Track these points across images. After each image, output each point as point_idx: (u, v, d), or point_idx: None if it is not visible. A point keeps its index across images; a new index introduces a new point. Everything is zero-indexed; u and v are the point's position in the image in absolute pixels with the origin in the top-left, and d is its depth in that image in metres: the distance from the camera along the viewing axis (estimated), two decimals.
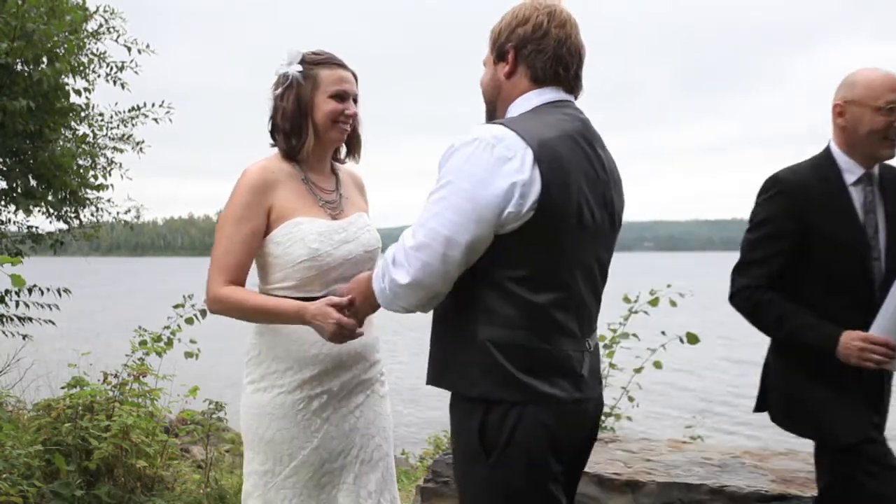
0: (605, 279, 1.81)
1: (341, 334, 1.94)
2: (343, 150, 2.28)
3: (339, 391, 2.14)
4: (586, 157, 1.67)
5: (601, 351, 4.93)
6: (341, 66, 2.17)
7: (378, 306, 1.77)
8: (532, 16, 1.72)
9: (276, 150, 2.20)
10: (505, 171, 1.55)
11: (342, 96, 2.14)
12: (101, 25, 6.03)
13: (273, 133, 2.20)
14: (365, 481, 2.16)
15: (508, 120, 1.68)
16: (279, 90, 2.15)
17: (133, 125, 6.51)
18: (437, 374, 1.73)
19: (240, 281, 2.08)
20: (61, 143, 6.03)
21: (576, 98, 1.78)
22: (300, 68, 2.14)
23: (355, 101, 2.19)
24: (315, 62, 2.15)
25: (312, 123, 2.13)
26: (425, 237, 1.57)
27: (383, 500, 2.19)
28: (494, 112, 1.81)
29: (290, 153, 2.16)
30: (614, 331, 4.99)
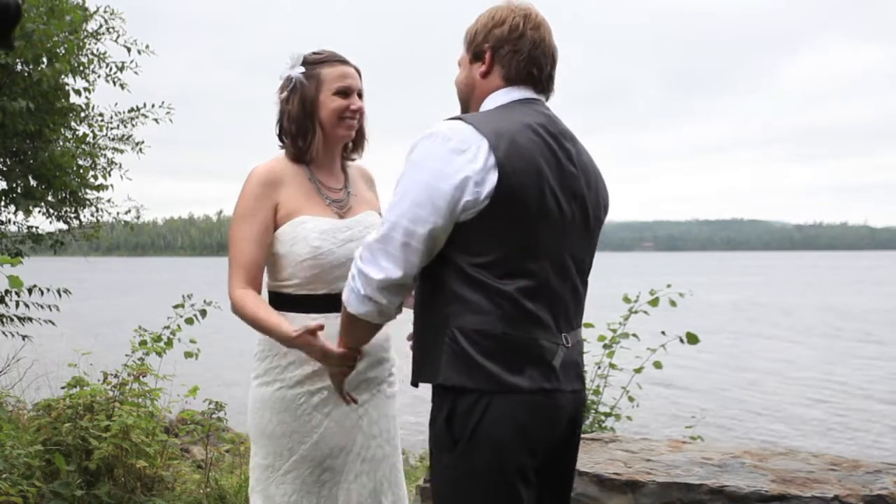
0: (583, 277, 1.80)
1: (331, 361, 1.95)
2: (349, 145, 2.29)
3: None
4: (549, 148, 1.69)
5: (602, 351, 4.96)
6: (343, 62, 2.18)
7: (369, 330, 1.81)
8: (508, 17, 1.77)
9: (283, 151, 2.21)
10: (459, 162, 1.60)
11: (346, 92, 2.15)
12: (100, 26, 6.03)
13: (281, 136, 2.21)
14: (365, 480, 2.16)
15: (467, 115, 1.73)
16: (284, 93, 2.17)
17: (133, 126, 6.51)
18: (417, 371, 1.76)
19: (257, 277, 2.10)
20: (61, 143, 6.03)
21: (547, 99, 1.82)
22: (303, 69, 2.15)
23: (360, 95, 2.20)
24: (316, 61, 2.16)
25: (319, 123, 2.14)
26: (388, 230, 1.63)
27: (385, 500, 2.19)
28: (467, 110, 1.85)
29: (299, 155, 2.17)
30: (614, 331, 4.99)
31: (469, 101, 1.85)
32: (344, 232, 2.15)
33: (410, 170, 1.65)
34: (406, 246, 1.62)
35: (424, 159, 1.64)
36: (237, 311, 2.07)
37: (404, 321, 2.35)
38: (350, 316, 1.73)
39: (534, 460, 1.66)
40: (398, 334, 2.32)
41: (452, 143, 1.62)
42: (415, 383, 1.80)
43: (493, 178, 1.60)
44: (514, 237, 1.63)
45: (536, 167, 1.65)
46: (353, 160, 2.32)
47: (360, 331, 1.82)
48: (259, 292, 2.10)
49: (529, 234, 1.64)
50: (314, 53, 2.18)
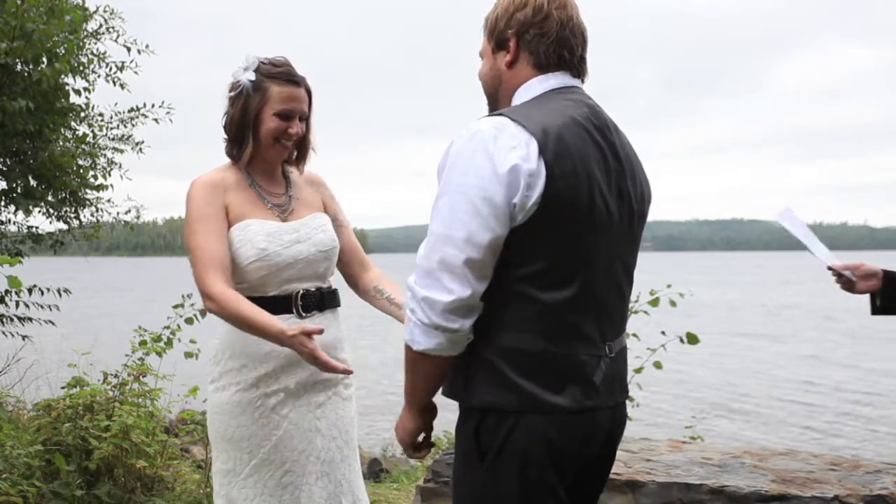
0: (630, 281, 1.69)
1: (316, 363, 1.97)
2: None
3: (296, 389, 2.15)
4: (595, 145, 1.56)
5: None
6: (294, 82, 2.14)
7: (439, 369, 1.56)
8: None
9: (223, 161, 2.22)
10: (509, 161, 1.45)
11: (288, 115, 2.12)
12: (100, 25, 6.04)
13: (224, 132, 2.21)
14: (326, 482, 2.18)
15: (509, 110, 1.58)
16: (232, 94, 2.15)
17: (133, 126, 6.51)
18: (446, 384, 1.62)
19: (228, 271, 2.08)
20: (61, 143, 6.03)
21: (582, 82, 1.69)
22: (253, 77, 2.12)
23: (304, 118, 2.18)
24: (268, 74, 2.12)
25: (254, 136, 2.13)
26: (445, 247, 1.46)
27: (345, 500, 2.21)
28: (496, 104, 1.71)
29: (232, 158, 2.19)
30: None
31: (497, 94, 1.70)
32: (290, 234, 2.16)
33: (455, 175, 1.48)
34: (470, 261, 1.45)
35: (469, 161, 1.47)
36: (221, 308, 2.02)
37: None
38: (415, 356, 1.53)
39: (564, 479, 1.56)
40: (349, 334, 2.33)
41: (500, 142, 1.46)
42: (443, 394, 1.67)
43: (541, 182, 1.46)
44: (561, 246, 1.50)
45: (587, 170, 1.52)
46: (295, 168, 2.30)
47: (429, 373, 1.56)
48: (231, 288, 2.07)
49: (577, 242, 1.51)
50: (271, 64, 2.13)
